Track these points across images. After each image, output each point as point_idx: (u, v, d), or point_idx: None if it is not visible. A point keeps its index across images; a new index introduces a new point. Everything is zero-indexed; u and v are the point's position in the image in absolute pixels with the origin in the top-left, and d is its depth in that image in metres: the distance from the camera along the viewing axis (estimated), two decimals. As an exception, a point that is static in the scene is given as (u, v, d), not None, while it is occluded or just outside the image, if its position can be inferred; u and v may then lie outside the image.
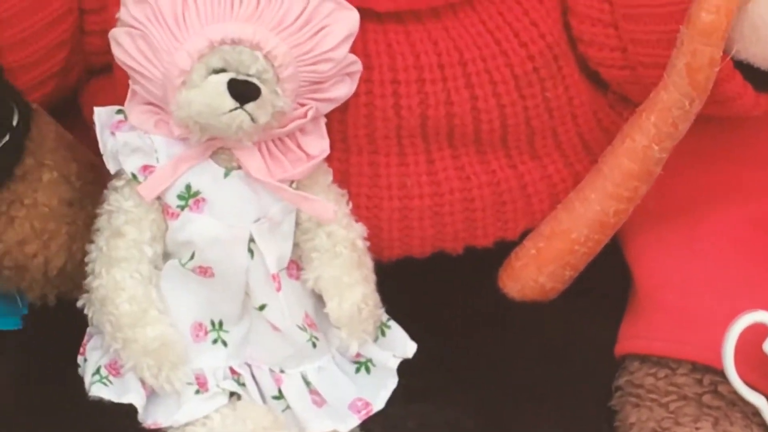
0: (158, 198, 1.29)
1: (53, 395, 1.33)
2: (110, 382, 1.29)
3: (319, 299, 1.32)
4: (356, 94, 1.32)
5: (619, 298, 1.43)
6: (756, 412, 1.35)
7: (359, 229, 1.33)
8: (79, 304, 1.31)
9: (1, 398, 1.34)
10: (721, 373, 1.33)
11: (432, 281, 1.41)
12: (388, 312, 1.37)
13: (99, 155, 1.33)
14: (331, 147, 1.32)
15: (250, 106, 1.23)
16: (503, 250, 1.40)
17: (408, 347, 1.35)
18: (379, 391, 1.33)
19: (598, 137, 1.41)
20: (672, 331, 1.37)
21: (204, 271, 1.29)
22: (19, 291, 1.39)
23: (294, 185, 1.30)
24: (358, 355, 1.34)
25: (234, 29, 1.25)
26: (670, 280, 1.40)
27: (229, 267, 1.29)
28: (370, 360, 1.35)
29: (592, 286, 1.40)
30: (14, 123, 1.33)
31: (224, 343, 1.31)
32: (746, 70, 1.32)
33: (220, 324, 1.31)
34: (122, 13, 1.29)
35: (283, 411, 1.32)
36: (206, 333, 1.31)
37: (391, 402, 1.34)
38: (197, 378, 1.29)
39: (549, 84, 1.38)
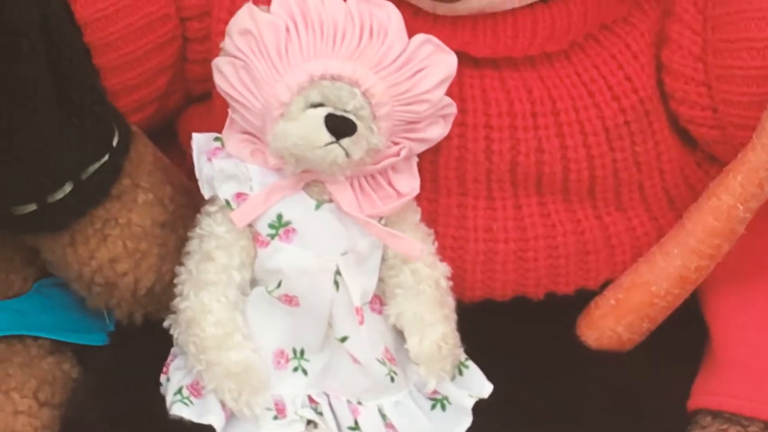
0: (249, 225, 1.30)
1: (135, 412, 1.33)
2: (191, 402, 1.30)
3: (399, 335, 1.33)
4: (449, 137, 1.33)
5: (695, 353, 1.42)
6: None
7: (443, 269, 1.33)
8: (165, 324, 1.33)
9: (86, 412, 1.35)
10: None
11: (511, 325, 1.41)
12: (466, 352, 1.37)
13: (193, 179, 1.35)
14: (421, 187, 1.32)
15: (345, 142, 1.24)
16: (584, 298, 1.40)
17: (485, 388, 1.35)
18: (453, 428, 1.33)
19: (684, 194, 1.41)
20: (746, 389, 1.35)
21: (289, 300, 1.30)
22: (108, 308, 1.40)
23: (383, 221, 1.32)
24: (435, 392, 1.33)
25: (335, 66, 1.26)
26: (747, 338, 1.39)
27: (315, 297, 1.30)
28: (446, 397, 1.34)
29: (669, 340, 1.40)
30: (114, 143, 1.35)
31: (304, 372, 1.31)
32: None
33: (302, 352, 1.32)
34: (226, 43, 1.31)
35: None
36: (287, 360, 1.32)
37: None
38: (276, 404, 1.30)
39: (639, 138, 1.39)
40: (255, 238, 1.31)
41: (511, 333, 1.41)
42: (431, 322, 1.33)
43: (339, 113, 1.26)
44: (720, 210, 1.32)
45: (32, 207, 1.33)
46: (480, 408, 1.35)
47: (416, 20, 1.36)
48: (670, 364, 1.40)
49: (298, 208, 1.30)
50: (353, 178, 1.30)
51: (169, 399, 1.31)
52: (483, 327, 1.39)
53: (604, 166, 1.38)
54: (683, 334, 1.43)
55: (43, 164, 1.34)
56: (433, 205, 1.38)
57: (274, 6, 1.31)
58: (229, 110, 1.32)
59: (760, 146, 1.30)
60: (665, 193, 1.42)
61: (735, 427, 1.35)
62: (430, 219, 1.37)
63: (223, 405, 1.30)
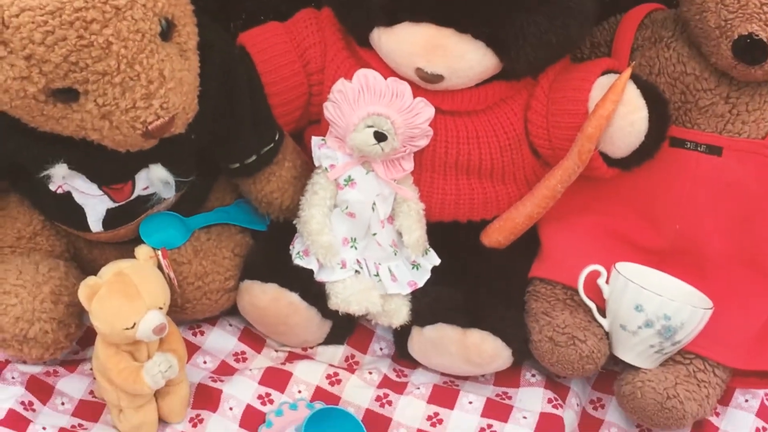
0: (335, 180, 1.54)
1: (279, 261, 1.57)
2: (303, 258, 1.57)
3: (399, 234, 1.57)
4: (427, 145, 1.56)
5: (535, 252, 1.64)
6: (589, 311, 1.57)
7: (421, 205, 1.57)
8: (295, 222, 1.58)
9: (255, 259, 1.59)
10: (576, 290, 1.57)
11: (451, 234, 1.62)
12: (430, 244, 1.60)
13: (310, 158, 1.59)
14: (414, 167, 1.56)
15: (382, 144, 1.50)
16: (485, 223, 1.63)
17: (436, 260, 1.60)
18: (422, 277, 1.59)
19: (536, 179, 1.61)
20: (556, 268, 1.59)
21: (351, 215, 1.55)
22: (267, 214, 1.64)
23: (396, 182, 1.56)
24: (414, 261, 1.59)
25: (380, 109, 1.51)
26: (558, 244, 1.61)
27: (363, 214, 1.55)
28: (419, 264, 1.59)
29: (523, 245, 1.63)
30: (276, 138, 1.58)
31: (355, 248, 1.57)
32: (604, 156, 1.56)
33: (354, 240, 1.57)
34: (330, 95, 1.53)
35: (378, 281, 1.57)
36: (348, 242, 1.56)
37: (425, 284, 1.59)
38: (342, 262, 1.56)
39: (515, 152, 1.60)
40: (337, 185, 1.55)
41: (451, 237, 1.62)
42: (415, 229, 1.57)
43: (379, 130, 1.50)
44: (550, 186, 1.57)
45: (237, 165, 1.57)
46: (434, 270, 1.60)
47: (417, 89, 1.54)
48: (523, 255, 1.64)
49: (357, 172, 1.54)
50: (384, 161, 1.54)
51: (293, 256, 1.57)
52: (437, 234, 1.61)
53: (498, 162, 1.59)
54: (530, 244, 1.64)
55: (246, 147, 1.56)
56: (416, 176, 1.59)
57: (354, 80, 1.53)
58: (330, 126, 1.55)
59: (570, 159, 1.54)
60: (525, 178, 1.63)
61: (549, 285, 1.59)
62: (415, 182, 1.59)
63: (318, 261, 1.55)
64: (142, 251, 1.49)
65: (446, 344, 1.55)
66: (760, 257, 1.60)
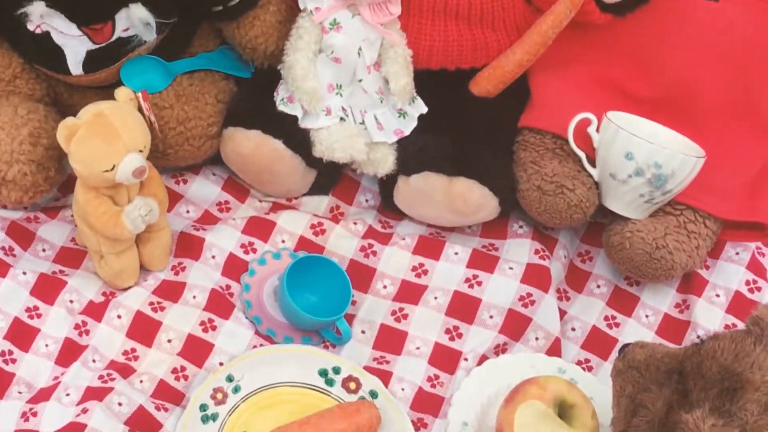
0: (320, 23, 1.53)
1: (263, 107, 1.56)
2: (287, 105, 1.56)
3: (386, 81, 1.57)
4: None
5: (525, 101, 1.63)
6: (578, 160, 1.56)
7: (408, 51, 1.57)
8: (279, 67, 1.57)
9: (238, 105, 1.58)
10: (565, 140, 1.57)
11: (439, 82, 1.60)
12: (417, 92, 1.59)
13: (295, 2, 1.56)
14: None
15: None
16: (474, 72, 1.61)
17: (423, 108, 1.60)
18: (409, 125, 1.58)
19: (526, 26, 1.58)
20: (546, 117, 1.58)
21: (337, 60, 1.54)
22: (251, 60, 1.62)
23: (383, 26, 1.55)
24: (400, 109, 1.59)
25: None
26: (548, 93, 1.60)
27: (349, 59, 1.54)
28: (406, 112, 1.59)
29: (514, 92, 1.61)
30: None
31: (341, 95, 1.56)
32: (596, 0, 1.53)
33: (340, 86, 1.56)
34: None
35: (364, 130, 1.56)
36: (333, 89, 1.55)
37: (412, 133, 1.58)
38: (327, 109, 1.55)
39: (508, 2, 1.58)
40: (323, 29, 1.53)
41: (439, 85, 1.60)
42: (402, 75, 1.56)
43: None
44: (541, 32, 1.56)
45: (221, 7, 1.53)
46: (421, 118, 1.59)
47: None
48: (513, 105, 1.62)
49: (343, 16, 1.53)
50: (370, 4, 1.52)
51: (277, 102, 1.56)
52: (424, 82, 1.60)
53: (488, 6, 1.57)
54: (520, 93, 1.63)
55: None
56: (404, 21, 1.57)
57: None
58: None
59: (561, 2, 1.52)
60: (516, 25, 1.61)
61: (539, 135, 1.58)
62: (403, 27, 1.57)
63: (303, 107, 1.55)
64: (122, 93, 1.47)
65: (432, 193, 1.55)
66: (754, 107, 1.59)
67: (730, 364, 1.17)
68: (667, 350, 1.24)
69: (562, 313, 1.58)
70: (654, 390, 1.20)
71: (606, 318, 1.59)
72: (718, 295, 1.60)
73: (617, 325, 1.59)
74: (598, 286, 1.62)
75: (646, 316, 1.59)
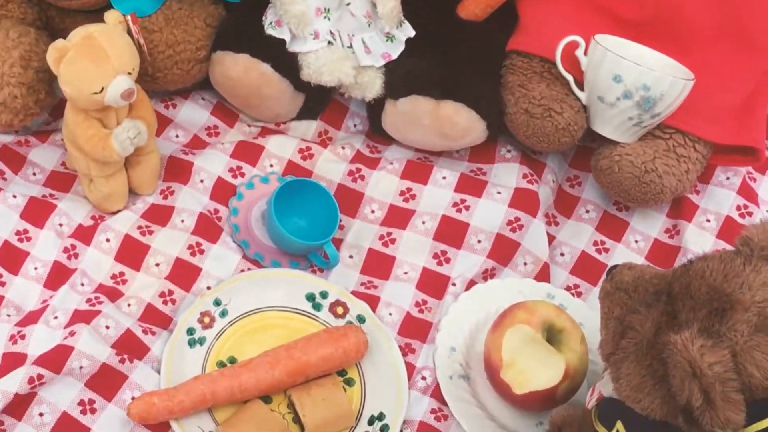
0: None
1: (253, 32, 1.55)
2: (275, 29, 1.55)
3: (374, 5, 1.54)
4: None
5: (513, 24, 1.61)
6: (566, 84, 1.54)
7: None
8: None
9: (229, 30, 1.56)
10: (553, 63, 1.56)
11: (427, 4, 1.59)
12: (405, 17, 1.57)
13: None
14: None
15: None
16: None
17: (410, 30, 1.58)
18: (396, 50, 1.57)
19: None
20: (534, 40, 1.57)
21: None
22: None
23: None
24: (388, 33, 1.57)
25: None
26: (536, 17, 1.58)
27: None
28: (393, 36, 1.58)
29: (502, 15, 1.59)
30: None
31: (328, 19, 1.55)
32: None
33: (328, 10, 1.55)
34: None
35: (351, 53, 1.53)
36: (321, 12, 1.54)
37: (399, 57, 1.57)
38: (315, 32, 1.55)
39: None
40: None
41: (427, 8, 1.59)
42: None
43: None
44: None
45: None
46: (408, 41, 1.58)
47: None
48: (501, 28, 1.60)
49: None
50: None
51: (266, 26, 1.55)
52: (412, 5, 1.57)
53: None
54: (508, 17, 1.60)
55: None
56: None
57: None
58: None
59: None
60: None
61: (526, 58, 1.56)
62: None
63: (290, 30, 1.54)
64: (112, 15, 1.46)
65: (419, 116, 1.54)
66: (743, 28, 1.56)
67: (719, 284, 1.16)
68: (656, 271, 1.23)
69: (551, 239, 1.58)
70: (642, 311, 1.19)
71: (595, 243, 1.59)
72: (708, 220, 1.59)
73: (606, 250, 1.58)
74: (587, 211, 1.61)
75: (636, 242, 1.59)
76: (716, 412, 1.08)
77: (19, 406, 1.33)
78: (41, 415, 1.34)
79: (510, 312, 1.42)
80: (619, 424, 1.20)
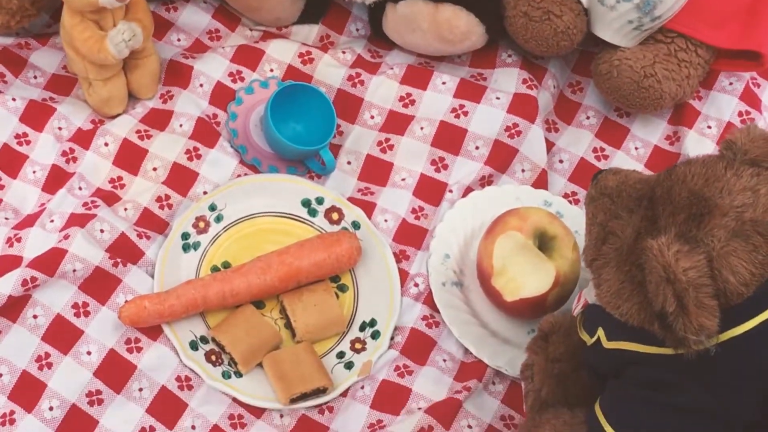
0: None
1: None
2: None
3: None
4: None
5: None
6: None
7: None
8: None
9: None
10: None
11: None
12: None
13: None
14: None
15: None
16: None
17: None
18: None
19: None
20: None
21: None
22: None
23: None
24: None
25: None
26: None
27: None
28: None
29: None
30: None
31: None
32: None
33: None
34: None
35: None
36: None
37: None
38: None
39: None
40: None
41: None
42: None
43: None
44: None
45: None
46: None
47: None
48: None
49: None
50: None
51: None
52: None
53: None
54: None
55: None
56: None
57: None
58: None
59: None
60: None
61: None
62: None
63: None
64: None
65: (418, 20, 1.52)
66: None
67: (699, 188, 1.15)
68: (640, 176, 1.22)
69: (550, 145, 1.57)
70: (624, 217, 1.19)
71: (594, 150, 1.58)
72: (709, 127, 1.58)
73: (606, 157, 1.57)
74: (588, 118, 1.60)
75: (636, 148, 1.58)
76: (689, 318, 1.08)
77: (13, 308, 1.35)
78: (35, 317, 1.36)
79: (502, 219, 1.41)
80: (600, 331, 1.21)
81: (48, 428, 1.31)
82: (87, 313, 1.37)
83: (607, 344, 1.20)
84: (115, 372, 1.35)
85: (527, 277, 1.38)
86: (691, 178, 1.16)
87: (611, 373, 1.21)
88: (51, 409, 1.32)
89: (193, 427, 1.34)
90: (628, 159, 1.57)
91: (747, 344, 1.13)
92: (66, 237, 1.38)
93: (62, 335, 1.35)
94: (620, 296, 1.16)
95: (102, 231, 1.41)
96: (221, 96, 1.53)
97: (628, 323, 1.16)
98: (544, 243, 1.40)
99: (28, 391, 1.33)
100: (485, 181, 1.52)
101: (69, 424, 1.32)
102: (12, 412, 1.32)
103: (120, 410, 1.34)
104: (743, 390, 1.14)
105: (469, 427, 1.36)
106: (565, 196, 1.54)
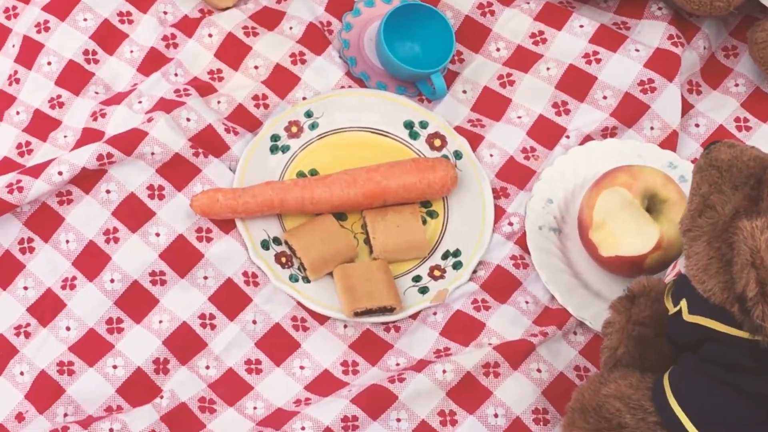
0: None
1: None
2: None
3: None
4: None
5: None
6: None
7: None
8: None
9: None
10: None
11: None
12: None
13: None
14: None
15: None
16: None
17: None
18: None
19: None
20: None
21: None
22: None
23: None
24: None
25: None
26: None
27: None
28: None
29: None
30: None
31: None
32: None
33: None
34: None
35: None
36: None
37: None
38: None
39: None
40: None
41: None
42: None
43: None
44: None
45: None
46: None
47: None
48: None
49: None
50: None
51: None
52: None
53: None
54: None
55: None
56: None
57: None
58: None
59: None
60: None
61: None
62: None
63: None
64: None
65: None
66: None
67: (811, 178, 1.10)
68: (757, 154, 1.17)
69: (689, 107, 1.51)
70: (727, 192, 1.15)
71: (737, 119, 1.51)
72: None
73: (748, 128, 1.51)
74: (737, 85, 1.53)
75: (784, 125, 1.50)
76: (769, 307, 1.05)
77: (87, 180, 1.37)
78: (108, 192, 1.38)
79: (612, 173, 1.37)
80: (683, 303, 1.19)
81: (107, 299, 1.34)
82: (162, 197, 1.37)
83: (688, 317, 1.17)
84: (181, 257, 1.36)
85: (627, 235, 1.34)
86: (807, 164, 1.12)
87: (689, 346, 1.19)
88: (112, 281, 1.34)
89: (254, 322, 1.34)
90: (773, 135, 1.49)
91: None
92: (149, 120, 1.39)
93: (133, 214, 1.36)
94: (707, 272, 1.14)
95: (188, 120, 1.41)
96: (338, 5, 1.52)
97: (710, 300, 1.13)
98: (653, 205, 1.36)
99: (92, 261, 1.35)
100: (608, 133, 1.47)
101: (128, 298, 1.34)
102: (74, 278, 1.34)
103: (182, 293, 1.35)
104: None
105: (539, 371, 1.33)
106: (694, 161, 1.47)
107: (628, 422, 1.18)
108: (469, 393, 1.31)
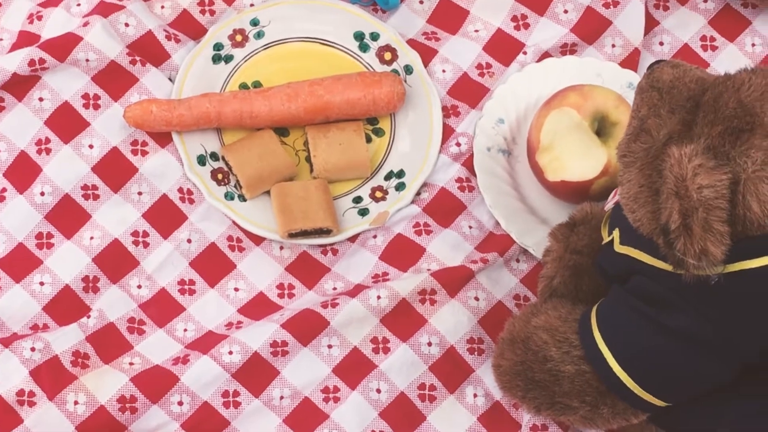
0: None
1: None
2: None
3: None
4: None
5: None
6: None
7: None
8: None
9: None
10: None
11: None
12: None
13: None
14: None
15: None
16: None
17: None
18: None
19: None
20: None
21: None
22: None
23: None
24: None
25: None
26: None
27: None
28: None
29: None
30: None
31: None
32: None
33: None
34: None
35: None
36: None
37: None
38: None
39: None
40: None
41: None
42: None
43: None
44: None
45: None
46: None
47: None
48: None
49: None
50: None
51: None
52: None
53: None
54: None
55: None
56: None
57: None
58: None
59: None
60: None
61: None
62: None
63: None
64: None
65: None
66: None
67: (750, 101, 1.08)
68: (701, 75, 1.15)
69: (654, 23, 1.49)
70: (663, 116, 1.13)
71: (703, 38, 1.49)
72: None
73: (714, 48, 1.49)
74: (705, 1, 1.51)
75: (753, 45, 1.49)
76: (691, 240, 1.04)
77: (19, 86, 1.37)
78: (41, 99, 1.38)
79: (562, 93, 1.36)
80: (615, 232, 1.18)
81: (37, 212, 1.34)
82: (97, 107, 1.37)
83: (618, 248, 1.17)
84: (114, 171, 1.36)
85: (574, 159, 1.34)
86: (747, 87, 1.10)
87: (618, 278, 1.19)
88: (42, 194, 1.34)
89: (189, 241, 1.35)
90: (740, 55, 1.48)
91: (760, 281, 1.09)
92: (85, 24, 1.38)
93: (66, 123, 1.36)
94: (637, 200, 1.12)
95: (127, 25, 1.40)
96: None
97: (639, 230, 1.12)
98: (604, 128, 1.35)
99: (23, 172, 1.35)
100: (567, 50, 1.46)
101: (59, 212, 1.34)
102: (3, 189, 1.35)
103: (115, 209, 1.35)
104: (746, 327, 1.11)
105: (476, 299, 1.34)
106: (653, 82, 1.46)
107: (553, 355, 1.18)
108: (403, 320, 1.32)
